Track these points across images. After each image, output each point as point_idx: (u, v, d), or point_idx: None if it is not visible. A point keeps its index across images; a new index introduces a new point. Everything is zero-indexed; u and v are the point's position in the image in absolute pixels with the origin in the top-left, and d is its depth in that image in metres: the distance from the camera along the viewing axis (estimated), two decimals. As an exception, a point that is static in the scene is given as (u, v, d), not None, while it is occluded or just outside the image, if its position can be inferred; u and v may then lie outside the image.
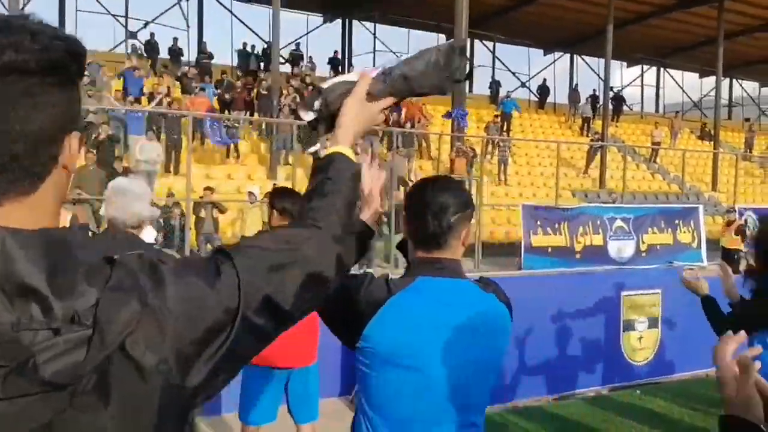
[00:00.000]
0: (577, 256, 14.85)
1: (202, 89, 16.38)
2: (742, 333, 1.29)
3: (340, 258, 1.13)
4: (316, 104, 1.38)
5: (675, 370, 6.71)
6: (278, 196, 3.65)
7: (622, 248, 15.45)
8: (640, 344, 6.40)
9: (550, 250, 14.43)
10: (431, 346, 1.76)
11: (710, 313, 3.36)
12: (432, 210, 1.83)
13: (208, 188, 11.52)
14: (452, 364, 1.77)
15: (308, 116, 1.40)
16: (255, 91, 17.50)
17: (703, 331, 6.87)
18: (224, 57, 21.81)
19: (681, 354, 6.63)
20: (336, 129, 1.33)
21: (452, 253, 1.87)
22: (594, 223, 15.09)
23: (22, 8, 16.56)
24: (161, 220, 10.68)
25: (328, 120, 1.38)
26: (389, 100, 1.38)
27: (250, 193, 11.83)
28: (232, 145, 15.99)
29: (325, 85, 1.41)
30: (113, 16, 20.87)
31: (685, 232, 16.38)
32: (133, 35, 20.88)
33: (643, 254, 16.07)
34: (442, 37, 26.15)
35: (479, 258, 14.17)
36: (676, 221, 16.31)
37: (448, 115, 17.71)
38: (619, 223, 15.50)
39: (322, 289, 1.11)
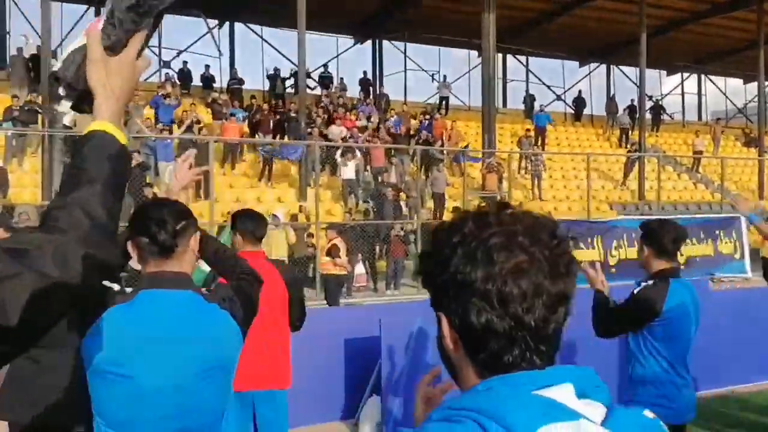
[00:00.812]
0: (612, 270, 14.45)
1: (232, 114, 16.58)
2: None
3: (92, 257, 0.98)
4: (60, 91, 1.17)
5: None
6: (240, 219, 3.60)
7: (659, 261, 14.94)
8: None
9: (582, 265, 14.05)
10: (142, 356, 1.89)
11: (599, 303, 3.38)
12: (155, 223, 1.95)
13: (229, 212, 11.59)
14: (167, 372, 1.91)
15: (63, 108, 1.19)
16: (284, 114, 17.66)
17: (725, 345, 6.53)
18: (256, 82, 22.08)
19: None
20: (94, 104, 1.12)
21: (180, 266, 2.00)
22: (629, 235, 14.67)
23: (59, 45, 17.09)
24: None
25: (86, 98, 1.15)
26: (137, 40, 1.14)
27: (275, 216, 11.86)
28: (266, 168, 16.17)
29: (55, 67, 1.20)
30: (147, 47, 21.32)
31: (726, 242, 15.77)
32: (166, 64, 21.36)
33: (683, 267, 15.38)
34: (474, 53, 26.03)
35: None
36: (717, 231, 15.73)
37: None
38: (655, 235, 15.05)
39: (64, 298, 0.95)
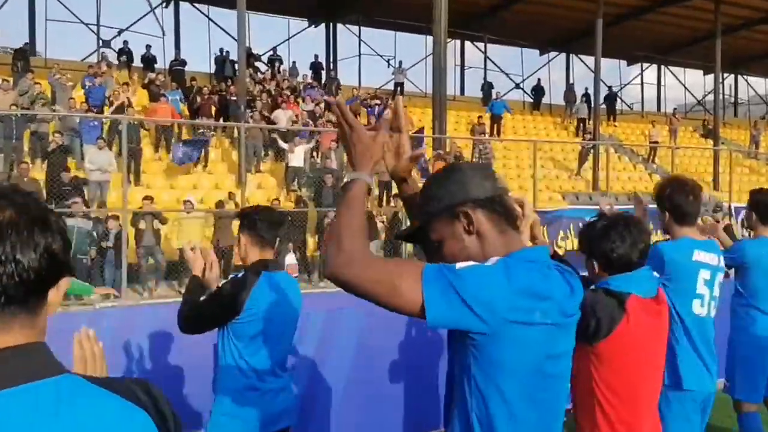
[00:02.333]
0: (558, 261, 13.99)
1: (164, 95, 15.77)
2: None
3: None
4: None
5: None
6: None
7: (606, 252, 14.54)
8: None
9: (527, 256, 13.57)
10: None
11: None
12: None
13: (147, 197, 10.85)
14: None
15: None
16: (225, 97, 16.90)
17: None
18: (203, 65, 21.24)
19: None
20: None
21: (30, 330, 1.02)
22: (576, 225, 14.23)
23: None
24: (95, 233, 10.04)
25: None
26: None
27: (187, 202, 11.15)
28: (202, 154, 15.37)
29: None
30: (84, 24, 20.38)
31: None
32: (106, 44, 20.39)
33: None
34: (430, 39, 25.43)
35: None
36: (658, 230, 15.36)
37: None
38: (603, 225, 14.62)
39: None
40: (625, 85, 32.02)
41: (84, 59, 19.69)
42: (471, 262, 1.50)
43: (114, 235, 9.84)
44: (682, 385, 3.23)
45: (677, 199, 3.31)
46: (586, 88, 25.39)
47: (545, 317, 1.47)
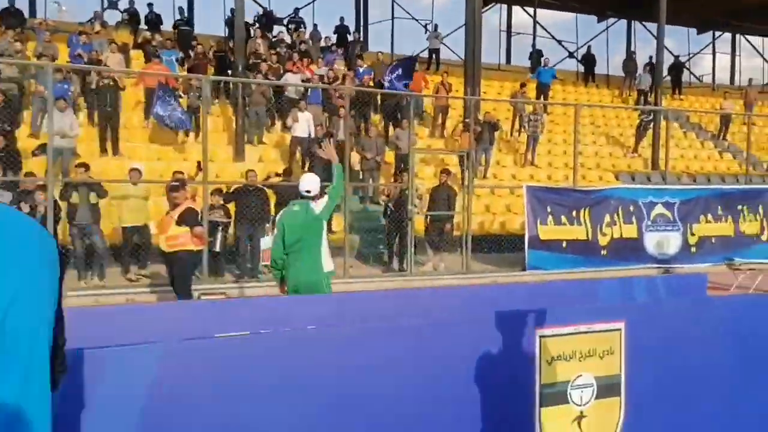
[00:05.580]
0: (603, 252, 11.65)
1: (157, 56, 13.97)
2: None
3: None
4: None
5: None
6: None
7: (663, 242, 12.08)
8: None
9: (565, 244, 11.28)
10: None
11: None
12: None
13: (81, 164, 9.00)
14: None
15: None
16: (225, 58, 15.02)
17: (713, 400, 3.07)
18: (218, 28, 19.44)
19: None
20: None
21: None
22: (626, 209, 11.82)
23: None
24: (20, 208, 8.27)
25: None
26: None
27: (134, 170, 9.25)
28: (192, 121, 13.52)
29: None
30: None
31: (750, 220, 12.79)
32: (113, 4, 18.81)
33: (693, 249, 12.57)
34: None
35: (468, 255, 11.12)
36: (739, 207, 12.74)
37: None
38: (660, 209, 12.09)
39: None
40: (694, 54, 28.71)
41: (90, 21, 18.09)
42: None
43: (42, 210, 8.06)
44: None
45: None
46: (651, 57, 22.49)
47: None
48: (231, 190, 10.19)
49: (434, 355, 3.06)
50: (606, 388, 3.48)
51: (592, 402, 3.43)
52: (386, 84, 15.11)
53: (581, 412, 3.44)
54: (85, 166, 8.88)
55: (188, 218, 6.91)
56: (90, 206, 8.69)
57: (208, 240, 9.24)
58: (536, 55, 23.59)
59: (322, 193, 5.51)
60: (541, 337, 3.32)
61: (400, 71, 15.25)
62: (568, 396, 3.41)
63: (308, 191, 5.35)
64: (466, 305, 3.61)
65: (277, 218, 5.44)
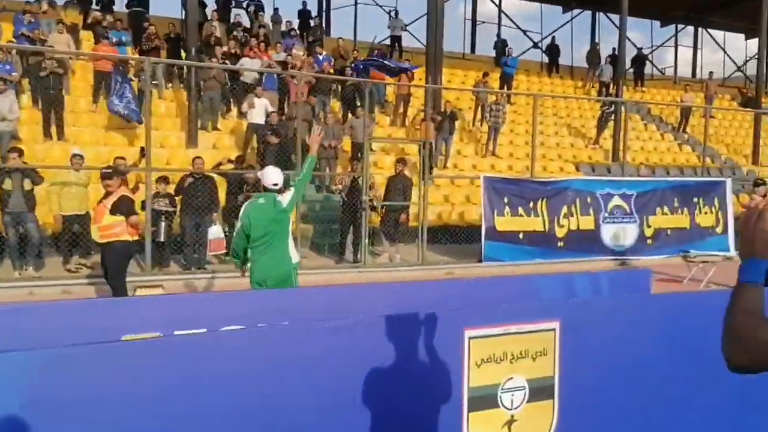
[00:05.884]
0: (560, 243, 11.56)
1: (106, 37, 13.45)
2: None
3: None
4: None
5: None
6: None
7: (620, 234, 12.04)
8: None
9: (522, 236, 11.16)
10: None
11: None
12: None
13: (14, 149, 8.57)
14: None
15: None
16: (180, 41, 14.56)
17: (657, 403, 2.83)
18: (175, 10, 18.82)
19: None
20: None
21: None
22: (583, 201, 11.73)
23: None
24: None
25: None
26: None
27: (76, 156, 8.84)
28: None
29: None
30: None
31: (706, 212, 12.81)
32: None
33: (649, 241, 12.54)
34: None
35: (424, 246, 10.93)
36: (695, 199, 12.76)
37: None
38: (617, 201, 12.03)
39: None
40: (657, 47, 28.90)
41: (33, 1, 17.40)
42: None
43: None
44: None
45: None
46: (613, 49, 22.50)
47: None
48: (186, 185, 9.76)
49: (350, 355, 2.83)
50: (539, 391, 3.29)
51: (523, 405, 3.24)
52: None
53: (512, 416, 3.24)
54: (19, 151, 8.44)
55: (122, 207, 6.57)
56: (24, 193, 8.26)
57: (151, 229, 8.89)
58: (501, 45, 23.46)
59: (286, 186, 5.48)
60: (470, 338, 3.11)
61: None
62: (498, 400, 3.21)
63: (275, 184, 5.31)
64: (391, 302, 3.38)
65: (241, 211, 5.32)
